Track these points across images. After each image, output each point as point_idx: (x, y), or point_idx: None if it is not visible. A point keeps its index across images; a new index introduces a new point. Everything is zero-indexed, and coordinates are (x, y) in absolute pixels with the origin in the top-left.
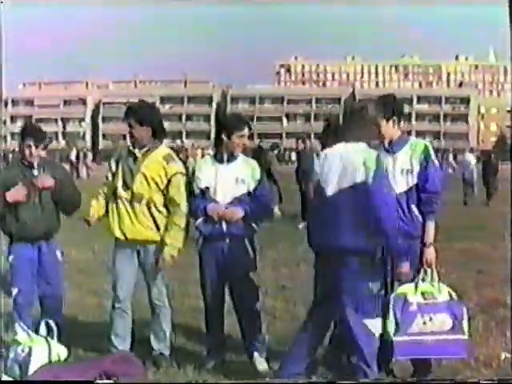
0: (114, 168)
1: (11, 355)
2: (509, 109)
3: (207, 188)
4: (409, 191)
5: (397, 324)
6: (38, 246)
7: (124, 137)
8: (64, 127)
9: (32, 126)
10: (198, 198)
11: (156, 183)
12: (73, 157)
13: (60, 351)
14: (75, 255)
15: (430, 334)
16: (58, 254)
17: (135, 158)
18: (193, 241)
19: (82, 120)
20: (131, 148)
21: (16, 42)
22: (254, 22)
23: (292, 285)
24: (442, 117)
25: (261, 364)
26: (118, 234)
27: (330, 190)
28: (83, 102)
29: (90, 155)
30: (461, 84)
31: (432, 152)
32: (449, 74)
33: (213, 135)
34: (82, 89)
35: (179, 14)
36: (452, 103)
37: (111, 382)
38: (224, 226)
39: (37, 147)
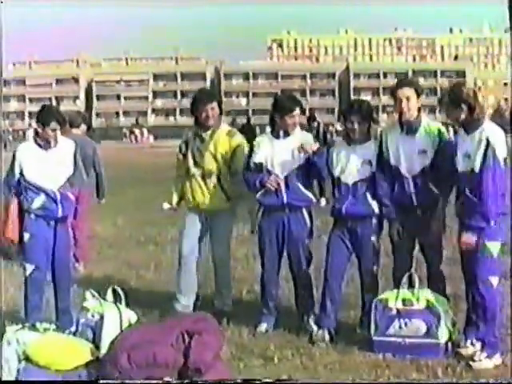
0: (184, 149)
1: (82, 320)
2: (506, 81)
3: (263, 162)
4: (423, 171)
5: (376, 325)
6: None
7: (117, 114)
8: (58, 106)
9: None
10: (254, 172)
11: (223, 157)
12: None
13: (130, 316)
14: (101, 231)
15: (406, 337)
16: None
17: (202, 140)
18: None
19: (76, 98)
20: (197, 131)
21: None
22: None
23: None
24: (438, 90)
25: (311, 327)
26: (191, 205)
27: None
28: (75, 80)
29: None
30: (456, 57)
31: (446, 133)
32: (443, 48)
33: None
34: (73, 67)
35: None
36: (448, 77)
37: (112, 382)
38: (285, 196)
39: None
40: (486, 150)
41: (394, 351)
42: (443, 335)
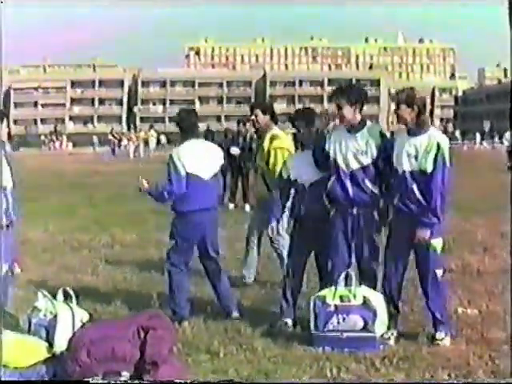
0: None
1: (34, 320)
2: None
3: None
4: (364, 168)
5: (315, 321)
6: None
7: (35, 122)
8: None
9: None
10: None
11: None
12: None
13: (83, 316)
14: (33, 236)
15: (344, 332)
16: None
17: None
18: None
19: None
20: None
21: None
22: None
23: None
24: None
25: None
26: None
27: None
28: None
29: None
30: (371, 66)
31: (387, 135)
32: (358, 57)
33: (124, 119)
34: None
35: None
36: (363, 85)
37: (105, 382)
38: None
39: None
40: (437, 153)
41: (332, 345)
42: (379, 329)
